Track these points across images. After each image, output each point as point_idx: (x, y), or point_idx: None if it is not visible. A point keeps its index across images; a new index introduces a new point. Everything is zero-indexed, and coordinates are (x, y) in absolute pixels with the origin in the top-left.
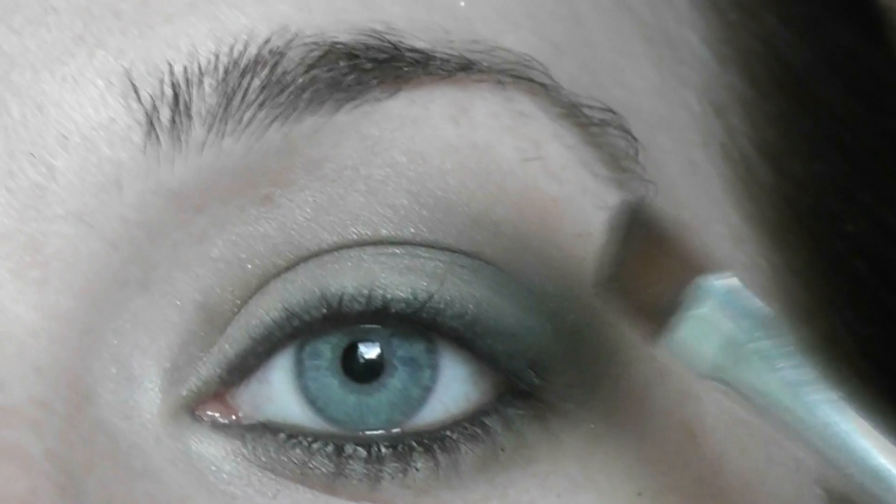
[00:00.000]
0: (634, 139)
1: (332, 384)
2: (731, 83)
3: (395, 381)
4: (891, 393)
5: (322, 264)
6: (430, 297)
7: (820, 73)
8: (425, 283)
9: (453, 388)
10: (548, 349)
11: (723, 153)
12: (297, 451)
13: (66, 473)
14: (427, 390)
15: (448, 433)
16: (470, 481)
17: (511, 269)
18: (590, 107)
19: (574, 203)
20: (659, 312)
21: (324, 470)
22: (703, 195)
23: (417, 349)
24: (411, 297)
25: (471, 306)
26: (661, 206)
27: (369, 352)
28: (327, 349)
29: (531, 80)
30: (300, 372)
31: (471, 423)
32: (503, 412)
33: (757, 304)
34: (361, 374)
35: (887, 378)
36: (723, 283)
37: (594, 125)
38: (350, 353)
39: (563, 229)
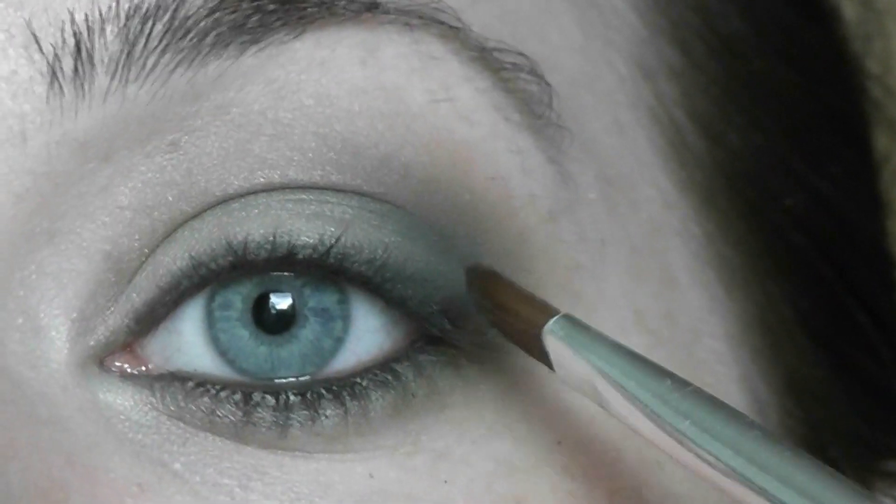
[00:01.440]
0: (547, 84)
1: (242, 335)
2: (661, 50)
3: (307, 332)
4: (832, 369)
5: (229, 212)
6: (337, 240)
7: (756, 45)
8: (332, 229)
9: (366, 338)
10: (460, 294)
11: (651, 117)
12: (205, 399)
13: None
14: (339, 341)
15: (357, 380)
16: (381, 427)
17: (421, 213)
18: (501, 50)
19: (485, 146)
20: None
21: (232, 418)
22: (629, 155)
23: (329, 300)
24: (317, 242)
25: (379, 251)
26: (582, 156)
27: (280, 302)
28: (238, 300)
29: (441, 23)
30: (211, 323)
31: (381, 370)
32: (414, 358)
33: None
34: (272, 325)
35: (824, 350)
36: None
37: (506, 69)
38: (261, 304)
39: (474, 172)
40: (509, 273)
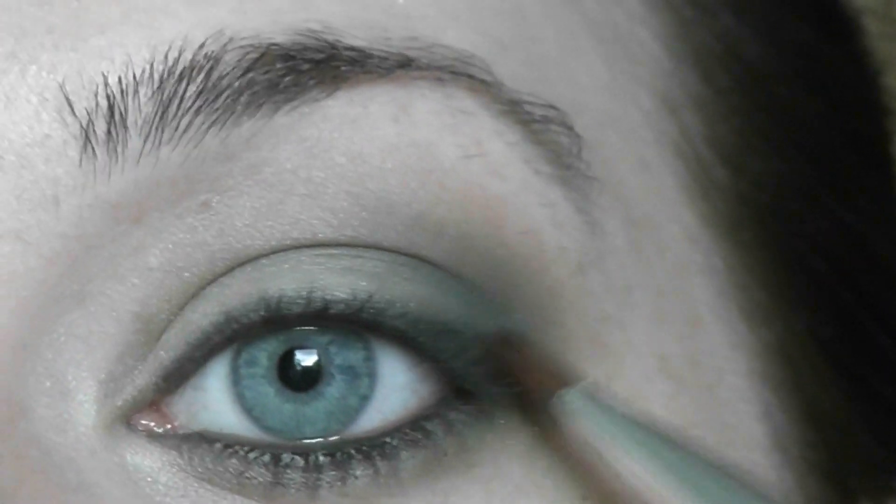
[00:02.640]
0: (577, 135)
1: (268, 392)
2: (686, 80)
3: (333, 390)
4: (852, 395)
5: (260, 267)
6: (371, 296)
7: (778, 71)
8: (365, 283)
9: (392, 397)
10: (492, 349)
11: (676, 152)
12: (234, 460)
13: None
14: (365, 399)
15: (388, 440)
16: (411, 488)
17: (454, 269)
18: (532, 103)
19: (517, 200)
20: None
21: (261, 480)
22: (655, 194)
23: (355, 357)
24: (351, 298)
25: (412, 304)
26: (609, 203)
27: (306, 359)
28: (264, 357)
29: (471, 77)
30: (236, 380)
31: (411, 429)
32: (445, 416)
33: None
34: (298, 382)
35: (848, 380)
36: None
37: (536, 122)
38: (287, 361)
39: (506, 227)
40: (540, 328)
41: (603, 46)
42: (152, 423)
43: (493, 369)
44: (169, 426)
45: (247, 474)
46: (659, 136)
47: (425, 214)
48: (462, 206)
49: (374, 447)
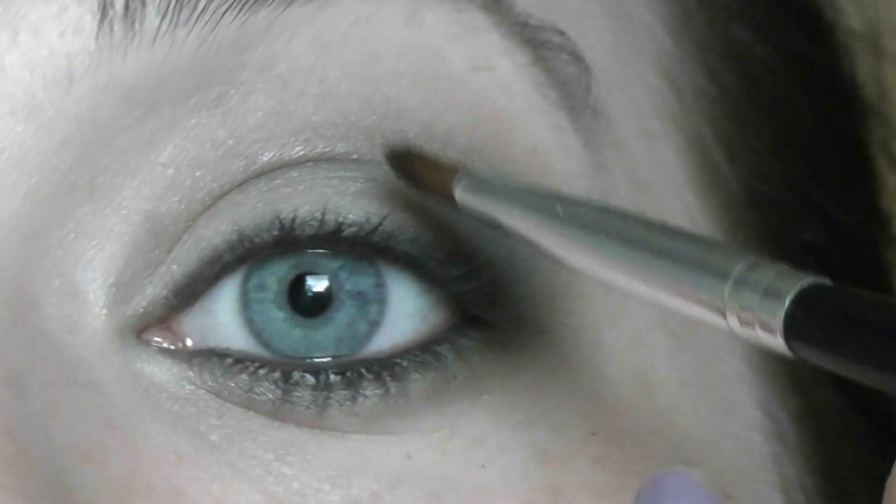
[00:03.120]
0: (587, 67)
1: (277, 317)
2: (689, 69)
3: (343, 315)
4: (846, 397)
5: (273, 187)
6: (383, 220)
7: (777, 72)
8: (377, 207)
9: (401, 323)
10: (502, 275)
11: (679, 130)
12: (244, 376)
13: (9, 369)
14: (374, 324)
15: (398, 360)
16: (419, 409)
17: None
18: (543, 28)
19: (525, 117)
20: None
21: (270, 396)
22: (658, 165)
23: (366, 283)
24: (364, 220)
25: (424, 227)
26: (615, 151)
27: (316, 285)
28: (273, 281)
29: None
30: (246, 304)
31: (422, 351)
32: (455, 341)
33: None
34: (308, 307)
35: (842, 381)
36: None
37: (545, 47)
38: (296, 286)
39: (515, 142)
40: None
41: (610, 15)
42: (163, 341)
43: (505, 292)
44: (180, 344)
45: (256, 390)
46: (662, 112)
47: (435, 121)
48: (471, 115)
49: (385, 367)
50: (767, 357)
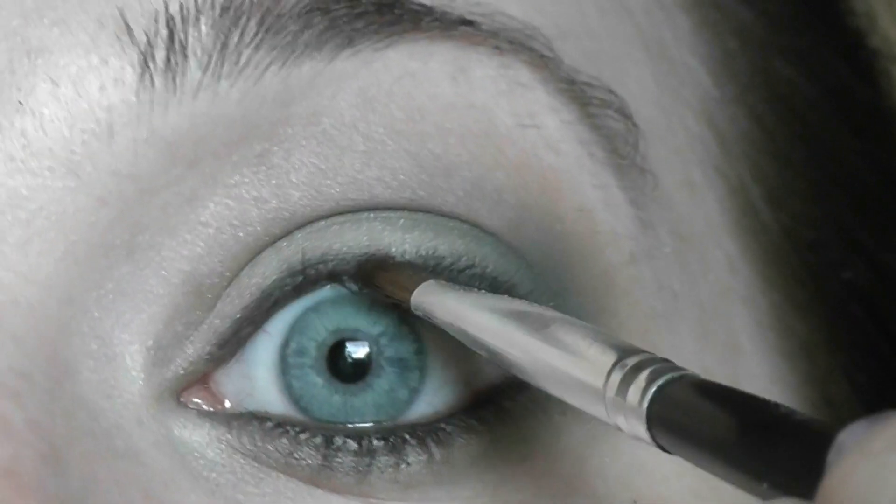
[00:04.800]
0: (635, 125)
1: (316, 383)
2: (730, 112)
3: (382, 382)
4: None
5: (319, 228)
6: (435, 249)
7: (820, 110)
8: (430, 234)
9: (443, 389)
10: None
11: (721, 179)
12: (284, 440)
13: (49, 443)
14: (415, 392)
15: (443, 426)
16: (461, 477)
17: (513, 241)
18: (590, 85)
19: (572, 176)
20: None
21: (309, 461)
22: (699, 216)
23: (406, 350)
24: (414, 252)
25: (477, 258)
26: (660, 207)
27: (356, 351)
28: (312, 347)
29: (531, 50)
30: (284, 369)
31: (466, 415)
32: (501, 404)
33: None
34: (347, 373)
35: None
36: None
37: (593, 105)
38: (336, 352)
39: (562, 201)
40: (594, 315)
41: (652, 62)
42: (202, 402)
43: None
44: (218, 405)
45: (296, 454)
46: (704, 160)
47: (484, 179)
48: (519, 173)
49: (429, 433)
50: (808, 407)
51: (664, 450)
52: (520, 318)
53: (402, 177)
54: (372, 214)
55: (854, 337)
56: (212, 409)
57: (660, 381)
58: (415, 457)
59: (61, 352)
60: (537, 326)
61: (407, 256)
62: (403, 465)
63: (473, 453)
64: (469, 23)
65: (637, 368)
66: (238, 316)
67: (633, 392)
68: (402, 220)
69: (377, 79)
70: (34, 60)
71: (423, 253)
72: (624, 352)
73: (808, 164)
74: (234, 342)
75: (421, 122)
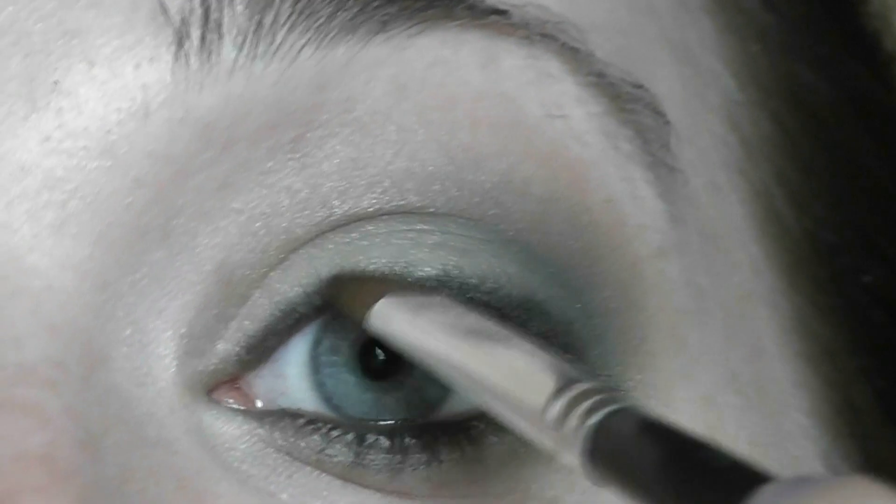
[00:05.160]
0: (667, 122)
1: (348, 381)
2: (754, 115)
3: (413, 380)
4: None
5: (350, 240)
6: (461, 271)
7: (840, 114)
8: (455, 259)
9: None
10: (578, 332)
11: (744, 181)
12: (316, 437)
13: (85, 430)
14: (445, 389)
15: (475, 423)
16: (494, 474)
17: (539, 238)
18: (620, 79)
19: (599, 167)
20: None
21: (342, 458)
22: (724, 217)
23: None
24: (441, 273)
25: (503, 279)
26: (688, 205)
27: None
28: (345, 346)
29: (561, 43)
30: (316, 368)
31: None
32: None
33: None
34: (379, 371)
35: None
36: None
37: (622, 98)
38: (367, 350)
39: (590, 192)
40: (623, 309)
41: (678, 63)
42: (233, 401)
43: (579, 348)
44: (250, 405)
45: (328, 451)
46: (729, 163)
47: (513, 170)
48: (548, 164)
49: (462, 430)
50: (830, 411)
51: (596, 483)
52: (473, 337)
53: (430, 168)
54: (403, 227)
55: (876, 341)
56: (243, 407)
57: (598, 415)
58: (447, 454)
59: (95, 338)
60: (488, 347)
61: (432, 274)
62: (436, 463)
63: (505, 451)
64: (501, 12)
65: (581, 397)
66: (266, 323)
67: (572, 422)
68: (432, 239)
69: (410, 66)
70: (70, 41)
71: (449, 272)
72: (569, 380)
73: (829, 167)
74: (261, 349)
75: (452, 111)
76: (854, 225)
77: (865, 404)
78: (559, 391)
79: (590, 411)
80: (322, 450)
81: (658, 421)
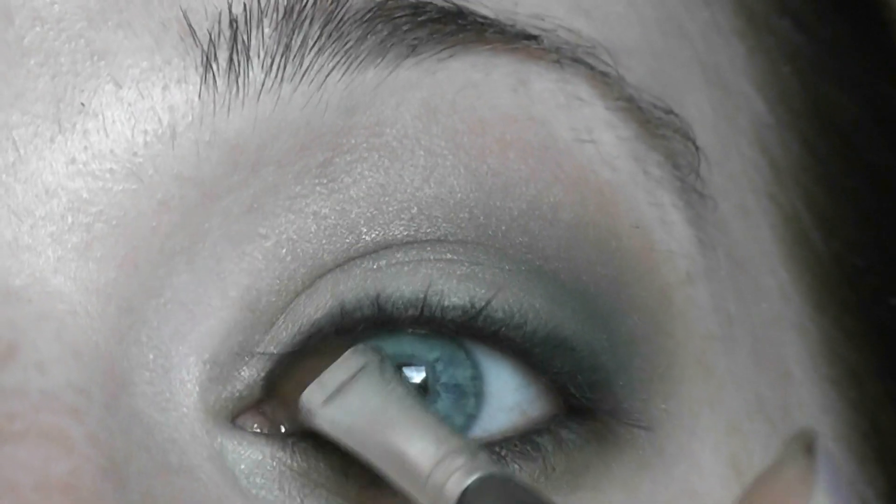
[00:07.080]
0: (696, 147)
1: None
2: (783, 138)
3: (438, 408)
4: None
5: (378, 268)
6: (488, 303)
7: (868, 136)
8: (483, 291)
9: (499, 416)
10: (603, 363)
11: (773, 205)
12: (334, 457)
13: (108, 458)
14: (471, 418)
15: (498, 450)
16: None
17: (565, 265)
18: (651, 104)
19: (628, 192)
20: None
21: (361, 480)
22: (753, 242)
23: (462, 375)
24: (468, 304)
25: (530, 315)
26: (717, 231)
27: (412, 376)
28: None
29: (591, 67)
30: None
31: (521, 442)
32: (557, 432)
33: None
34: None
35: None
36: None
37: (652, 123)
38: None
39: (619, 217)
40: (651, 336)
41: (709, 87)
42: (256, 426)
43: (606, 382)
44: (274, 429)
45: (348, 472)
46: (758, 186)
47: (541, 195)
48: (576, 188)
49: None
50: (856, 436)
51: None
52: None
53: (458, 195)
54: (431, 256)
55: None
56: (266, 431)
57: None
58: None
59: (118, 363)
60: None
61: (458, 304)
62: None
63: (527, 480)
64: (532, 37)
65: (455, 470)
66: (292, 350)
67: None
68: (461, 269)
69: (441, 89)
70: (97, 63)
71: (476, 304)
72: (446, 453)
73: (857, 190)
74: (285, 378)
75: (482, 135)
76: (882, 247)
77: (892, 429)
78: (438, 463)
79: (460, 482)
80: (343, 471)
81: (525, 487)
